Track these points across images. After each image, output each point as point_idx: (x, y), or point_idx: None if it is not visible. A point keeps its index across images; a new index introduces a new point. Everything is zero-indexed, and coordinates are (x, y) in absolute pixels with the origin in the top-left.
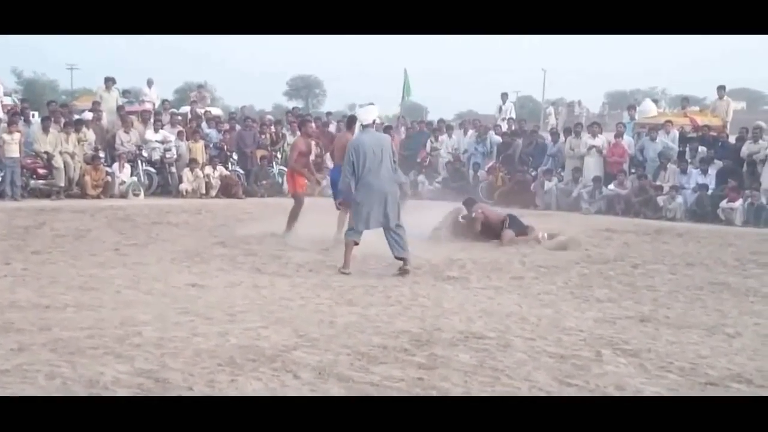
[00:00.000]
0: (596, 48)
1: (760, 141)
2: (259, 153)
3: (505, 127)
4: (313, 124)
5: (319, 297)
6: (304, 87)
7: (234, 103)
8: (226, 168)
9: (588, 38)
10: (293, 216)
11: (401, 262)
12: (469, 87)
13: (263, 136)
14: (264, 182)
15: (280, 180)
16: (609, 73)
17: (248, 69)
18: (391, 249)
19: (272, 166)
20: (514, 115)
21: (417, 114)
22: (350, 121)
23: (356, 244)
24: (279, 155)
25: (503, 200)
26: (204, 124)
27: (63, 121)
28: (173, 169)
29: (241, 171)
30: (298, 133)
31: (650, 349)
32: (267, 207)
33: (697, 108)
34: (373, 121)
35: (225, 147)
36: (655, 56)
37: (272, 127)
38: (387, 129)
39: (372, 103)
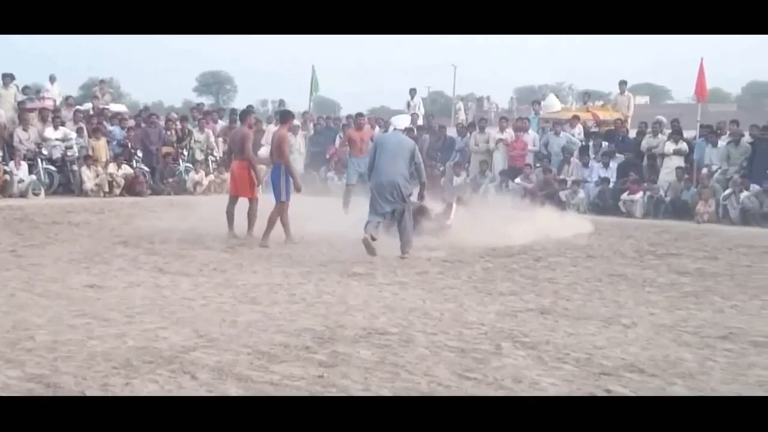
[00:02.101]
0: (505, 44)
1: (660, 135)
2: (165, 150)
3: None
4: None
5: (222, 296)
6: (214, 83)
7: (144, 100)
8: (131, 166)
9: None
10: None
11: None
12: (382, 83)
13: (169, 133)
14: (170, 180)
15: (186, 177)
16: (518, 69)
17: (157, 64)
18: (401, 244)
19: (179, 163)
20: (422, 111)
21: (329, 110)
22: (283, 116)
23: (374, 239)
24: (185, 152)
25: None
26: (107, 122)
27: None
28: (75, 167)
29: (146, 169)
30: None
31: (548, 341)
32: (172, 205)
33: (600, 103)
34: (405, 128)
35: (129, 144)
36: (563, 52)
37: (178, 124)
38: (295, 128)
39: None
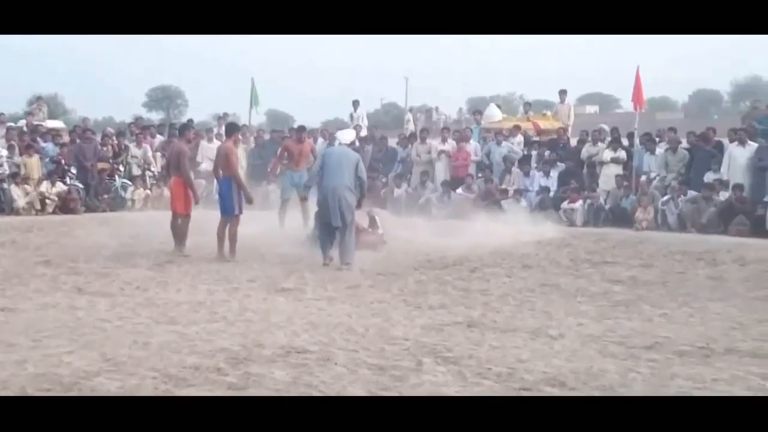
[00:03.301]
0: (461, 54)
1: (600, 143)
2: (101, 166)
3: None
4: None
5: (140, 316)
6: (164, 98)
7: (93, 115)
8: (64, 183)
9: (451, 43)
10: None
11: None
12: (339, 94)
13: (105, 149)
14: (106, 196)
15: (123, 193)
16: (470, 79)
17: (108, 79)
18: (340, 254)
19: (114, 180)
20: (365, 122)
21: (283, 122)
22: (229, 129)
23: (331, 260)
24: (122, 168)
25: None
26: (41, 138)
27: None
28: (5, 185)
29: (81, 185)
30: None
31: (472, 355)
32: (106, 222)
33: (548, 112)
34: (352, 142)
35: (63, 161)
36: (515, 62)
37: (114, 139)
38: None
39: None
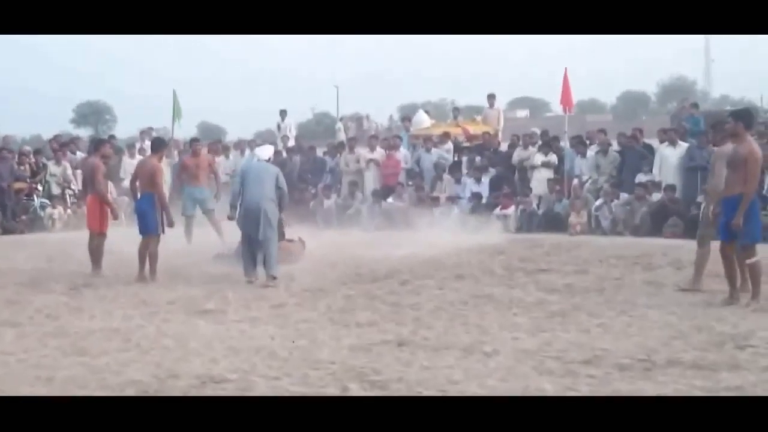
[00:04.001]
0: (391, 59)
1: (530, 147)
2: (18, 186)
3: (282, 144)
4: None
5: (47, 347)
6: (92, 113)
7: (19, 133)
8: None
9: (383, 48)
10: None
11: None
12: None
13: (22, 167)
14: (23, 217)
15: (41, 213)
16: (403, 87)
17: (33, 96)
18: (266, 267)
19: (33, 199)
20: (294, 133)
21: (215, 134)
22: (155, 145)
23: (256, 279)
24: (40, 187)
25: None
26: None
27: None
28: None
29: None
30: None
31: (401, 377)
32: (23, 244)
33: (478, 117)
34: (269, 158)
35: None
36: (447, 68)
37: (32, 157)
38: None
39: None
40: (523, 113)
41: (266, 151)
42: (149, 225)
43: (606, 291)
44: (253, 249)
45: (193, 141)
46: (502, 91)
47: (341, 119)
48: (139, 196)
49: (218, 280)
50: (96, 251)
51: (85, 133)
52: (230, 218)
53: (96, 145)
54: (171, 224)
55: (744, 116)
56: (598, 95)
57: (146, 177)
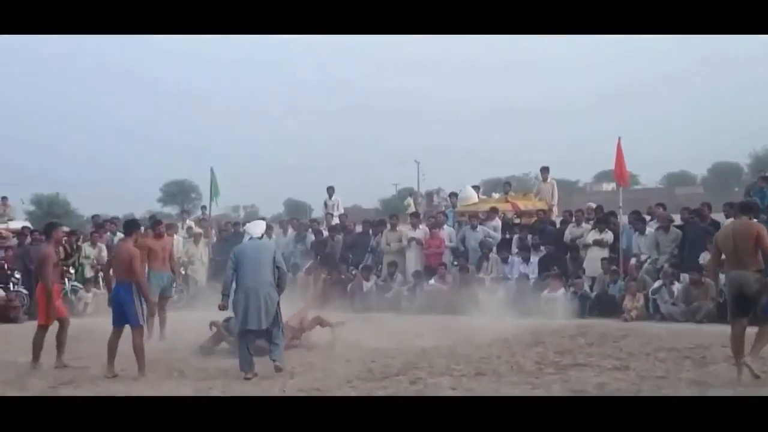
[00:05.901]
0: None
1: (584, 224)
2: None
3: (325, 223)
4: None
5: None
6: (179, 192)
7: (111, 212)
8: (5, 289)
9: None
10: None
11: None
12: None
13: (55, 250)
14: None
15: (72, 298)
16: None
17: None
18: (270, 352)
19: (65, 282)
20: (340, 210)
21: (301, 213)
22: (127, 227)
23: (255, 375)
24: (72, 270)
25: (318, 305)
26: None
27: None
28: None
29: (25, 291)
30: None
31: None
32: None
33: (530, 192)
34: (262, 235)
35: (6, 265)
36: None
37: (65, 238)
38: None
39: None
40: (609, 186)
41: (258, 228)
42: (130, 317)
43: (641, 393)
44: (252, 340)
45: (156, 222)
46: (589, 163)
47: (411, 194)
48: (114, 284)
49: (210, 377)
50: (36, 344)
51: (172, 210)
52: (222, 308)
53: (48, 230)
54: (152, 314)
55: None
56: (688, 167)
57: (123, 264)
